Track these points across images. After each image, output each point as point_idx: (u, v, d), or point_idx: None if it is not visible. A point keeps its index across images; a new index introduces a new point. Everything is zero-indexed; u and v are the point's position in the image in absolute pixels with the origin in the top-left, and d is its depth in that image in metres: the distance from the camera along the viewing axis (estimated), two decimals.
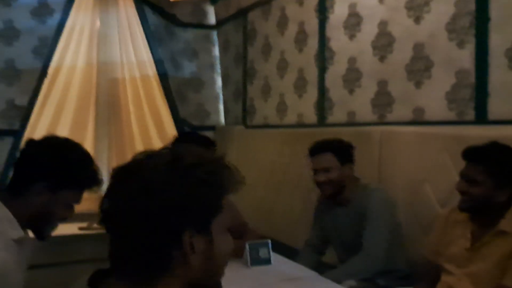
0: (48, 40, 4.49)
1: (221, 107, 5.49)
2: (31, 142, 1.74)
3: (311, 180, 3.66)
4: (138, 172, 0.99)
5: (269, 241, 2.49)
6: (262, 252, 2.43)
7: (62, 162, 1.68)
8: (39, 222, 1.69)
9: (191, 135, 3.14)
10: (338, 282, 2.42)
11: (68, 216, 1.73)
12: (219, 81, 5.49)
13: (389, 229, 2.60)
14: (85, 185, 1.74)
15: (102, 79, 4.68)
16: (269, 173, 4.21)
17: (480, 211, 2.13)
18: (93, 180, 1.74)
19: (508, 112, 2.51)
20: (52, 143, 1.74)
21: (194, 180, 0.97)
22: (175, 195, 0.96)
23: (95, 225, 4.53)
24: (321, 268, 2.91)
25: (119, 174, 1.01)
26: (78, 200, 1.74)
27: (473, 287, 2.13)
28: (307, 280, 2.27)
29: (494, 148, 2.09)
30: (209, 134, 5.28)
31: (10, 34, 4.44)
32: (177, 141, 2.89)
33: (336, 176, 2.67)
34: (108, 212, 1.01)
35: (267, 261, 2.44)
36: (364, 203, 2.64)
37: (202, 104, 5.38)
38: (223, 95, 5.46)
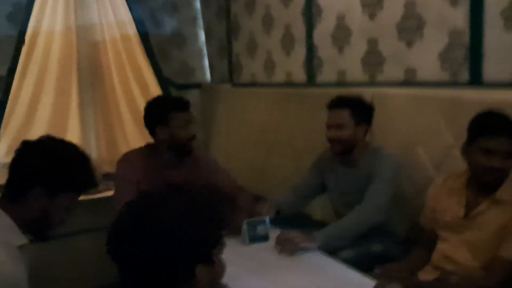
0: (22, 5, 4.28)
1: (206, 63, 5.34)
2: (26, 144, 1.70)
3: (303, 139, 3.65)
4: (155, 220, 1.11)
5: (267, 218, 2.48)
6: (260, 229, 2.42)
7: (59, 167, 1.65)
8: (38, 226, 1.69)
9: (164, 98, 2.99)
10: (334, 250, 2.42)
11: (67, 220, 1.72)
12: (202, 36, 5.32)
13: (393, 189, 2.56)
14: (82, 188, 1.71)
15: (82, 42, 4.51)
16: (259, 133, 4.17)
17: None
18: (90, 183, 1.72)
19: (503, 75, 2.46)
20: (48, 146, 1.70)
21: (205, 221, 1.16)
22: (190, 239, 1.12)
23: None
24: (311, 225, 2.91)
25: (133, 219, 1.13)
26: (75, 203, 1.72)
27: (470, 255, 2.16)
28: (304, 255, 2.28)
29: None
30: (195, 92, 5.20)
31: None
32: (149, 105, 2.74)
33: (348, 135, 2.58)
34: (119, 251, 1.13)
35: (265, 238, 2.43)
36: (373, 165, 2.58)
37: (186, 61, 5.23)
38: (207, 51, 5.29)
